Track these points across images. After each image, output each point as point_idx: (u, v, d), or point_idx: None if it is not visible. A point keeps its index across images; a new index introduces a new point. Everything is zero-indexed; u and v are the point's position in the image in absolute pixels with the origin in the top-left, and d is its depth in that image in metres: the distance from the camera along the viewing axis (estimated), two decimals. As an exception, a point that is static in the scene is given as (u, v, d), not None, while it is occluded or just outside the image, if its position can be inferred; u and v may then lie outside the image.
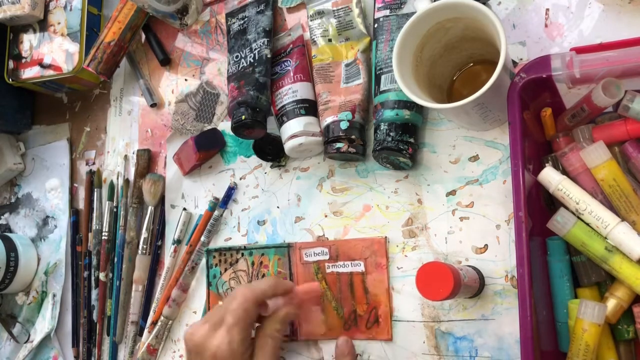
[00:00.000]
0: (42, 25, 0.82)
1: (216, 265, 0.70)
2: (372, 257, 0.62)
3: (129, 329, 0.75)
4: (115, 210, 0.79)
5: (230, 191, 0.71)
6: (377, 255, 0.62)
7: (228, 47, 0.72)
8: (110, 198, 0.80)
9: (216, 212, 0.71)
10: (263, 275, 0.67)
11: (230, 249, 0.70)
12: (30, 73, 0.82)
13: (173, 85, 0.79)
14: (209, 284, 0.70)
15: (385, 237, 0.62)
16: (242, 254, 0.69)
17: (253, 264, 0.68)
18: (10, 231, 0.88)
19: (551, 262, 0.51)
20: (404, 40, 0.54)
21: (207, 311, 0.70)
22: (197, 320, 0.55)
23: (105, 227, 0.79)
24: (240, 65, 0.69)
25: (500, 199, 0.57)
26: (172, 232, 0.74)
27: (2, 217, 0.90)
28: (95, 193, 0.81)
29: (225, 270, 0.70)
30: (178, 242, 0.73)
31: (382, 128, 0.59)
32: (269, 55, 0.68)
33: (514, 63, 0.59)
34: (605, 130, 0.50)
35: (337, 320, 0.63)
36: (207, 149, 0.72)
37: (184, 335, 0.55)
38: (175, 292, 0.71)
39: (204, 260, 0.71)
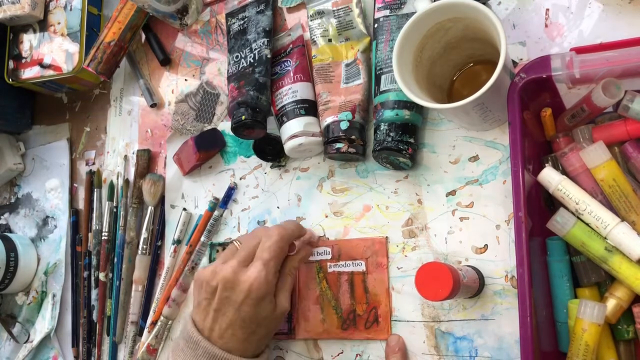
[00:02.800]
0: (42, 25, 0.82)
1: None
2: (373, 257, 0.62)
3: (128, 329, 0.75)
4: (115, 210, 0.79)
5: (230, 191, 0.71)
6: (377, 255, 0.62)
7: (228, 47, 0.72)
8: (110, 198, 0.80)
9: (216, 212, 0.71)
10: None
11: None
12: (30, 73, 0.82)
13: (173, 85, 0.79)
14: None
15: (386, 237, 0.62)
16: None
17: None
18: (10, 231, 0.88)
19: (551, 262, 0.51)
20: (404, 40, 0.54)
21: None
22: (208, 264, 0.60)
23: (105, 227, 0.79)
24: (240, 66, 0.69)
25: (500, 199, 0.57)
26: (172, 232, 0.74)
27: (2, 217, 0.90)
28: (95, 193, 0.81)
29: None
30: (178, 242, 0.73)
31: (382, 128, 0.59)
32: (269, 55, 0.68)
33: (514, 63, 0.59)
34: (605, 130, 0.50)
35: (335, 319, 0.63)
36: (207, 149, 0.72)
37: (198, 275, 0.58)
38: (175, 292, 0.71)
39: (204, 260, 0.71)
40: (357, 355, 0.62)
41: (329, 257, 0.64)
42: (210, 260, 0.71)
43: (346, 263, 0.63)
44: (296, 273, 0.62)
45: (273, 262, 0.56)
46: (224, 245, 0.70)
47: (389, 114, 0.59)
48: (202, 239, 0.71)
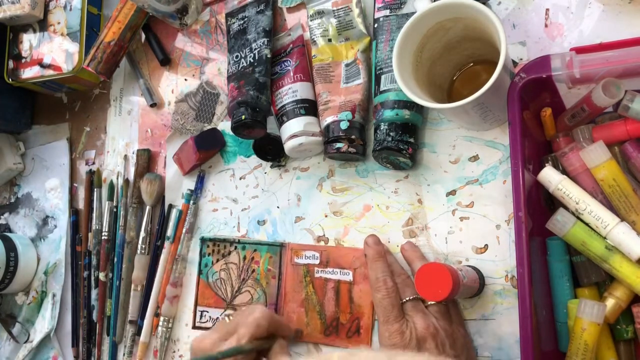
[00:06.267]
0: (42, 25, 0.82)
1: (209, 254, 0.71)
2: (361, 268, 0.62)
3: (127, 329, 0.75)
4: (115, 210, 0.79)
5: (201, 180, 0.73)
6: (366, 268, 0.61)
7: (228, 47, 0.72)
8: (110, 198, 0.80)
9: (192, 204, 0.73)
10: (253, 271, 0.68)
11: (224, 240, 0.70)
12: (30, 73, 0.81)
13: (173, 85, 0.79)
14: (199, 272, 0.71)
15: None
16: (236, 247, 0.69)
17: (245, 258, 0.68)
18: (10, 231, 0.88)
19: (551, 262, 0.51)
20: (404, 40, 0.54)
21: (196, 298, 0.70)
22: (206, 331, 0.58)
23: (105, 227, 0.79)
24: (240, 65, 0.69)
25: (500, 199, 0.57)
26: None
27: (2, 217, 0.90)
28: (95, 193, 0.81)
29: (217, 260, 0.70)
30: (173, 239, 0.73)
31: (382, 128, 0.59)
32: (269, 55, 0.68)
33: (514, 63, 0.59)
34: (605, 130, 0.50)
35: (319, 324, 0.63)
36: (207, 148, 0.72)
37: (192, 342, 0.57)
38: (170, 289, 0.71)
39: (194, 255, 0.72)
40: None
41: (317, 262, 0.64)
42: (201, 253, 0.71)
43: (334, 270, 0.63)
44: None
45: (246, 339, 0.54)
46: (214, 240, 0.70)
47: (389, 113, 0.59)
48: (184, 231, 0.72)
